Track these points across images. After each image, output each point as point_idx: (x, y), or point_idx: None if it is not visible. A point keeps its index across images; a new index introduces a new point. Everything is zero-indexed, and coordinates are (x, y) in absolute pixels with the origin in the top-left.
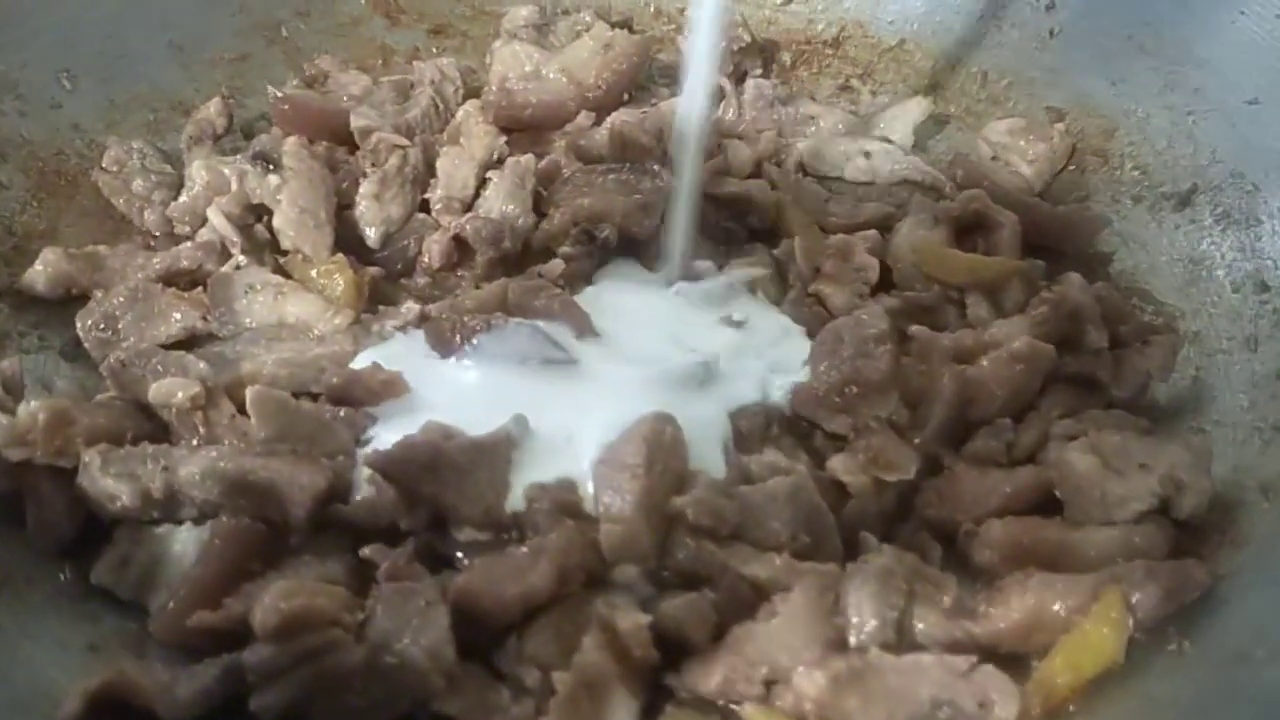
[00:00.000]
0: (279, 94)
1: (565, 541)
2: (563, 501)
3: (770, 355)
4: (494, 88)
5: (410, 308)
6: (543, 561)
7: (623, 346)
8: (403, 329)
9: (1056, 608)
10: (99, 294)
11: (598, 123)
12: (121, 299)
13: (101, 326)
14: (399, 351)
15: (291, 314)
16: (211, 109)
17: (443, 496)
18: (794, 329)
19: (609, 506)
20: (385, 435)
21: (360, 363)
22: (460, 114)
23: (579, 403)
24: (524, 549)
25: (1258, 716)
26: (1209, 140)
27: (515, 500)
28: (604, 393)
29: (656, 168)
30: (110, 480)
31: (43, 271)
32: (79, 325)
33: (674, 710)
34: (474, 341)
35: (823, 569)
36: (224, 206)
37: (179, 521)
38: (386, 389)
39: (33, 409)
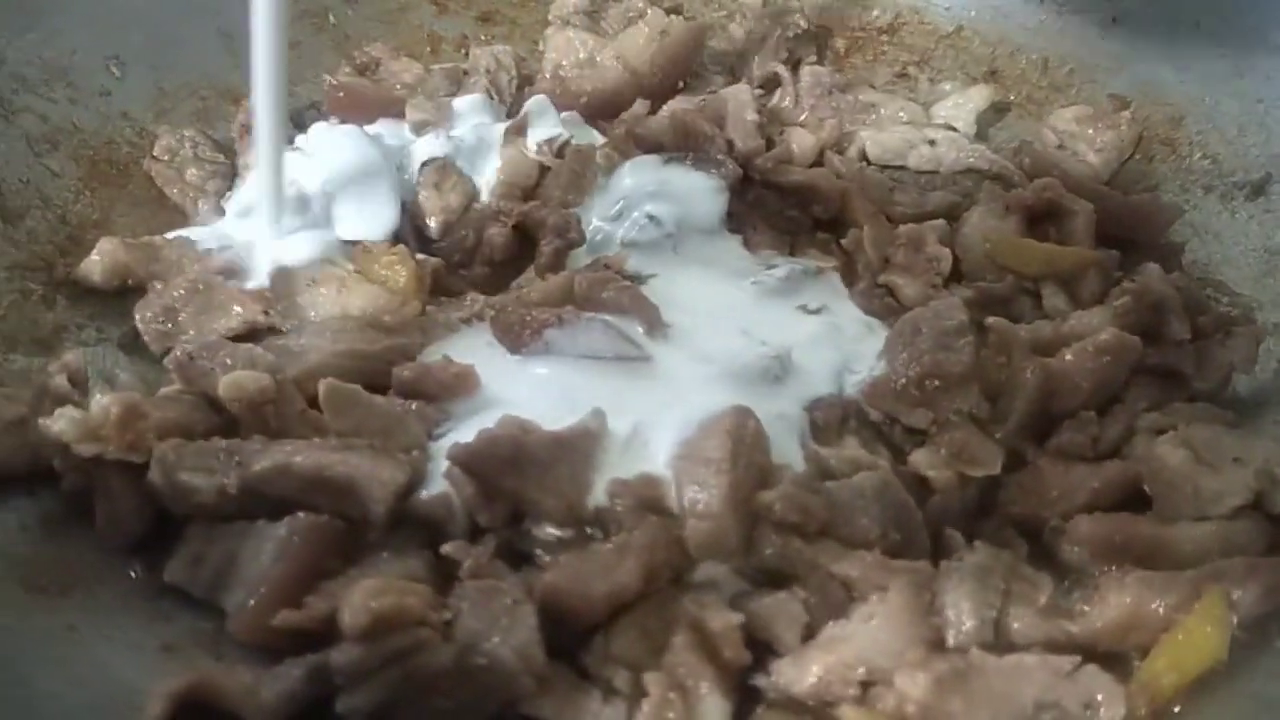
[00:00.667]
0: (332, 81)
1: (651, 538)
2: (646, 497)
3: (846, 347)
4: (548, 75)
5: (475, 299)
6: (629, 558)
7: (694, 340)
8: (468, 321)
9: (1156, 606)
10: (158, 285)
11: (653, 110)
12: (181, 291)
13: (161, 319)
14: (466, 345)
15: (356, 306)
16: None
17: (524, 491)
18: (868, 320)
19: (695, 502)
20: (458, 430)
21: (429, 356)
22: (532, 103)
23: (653, 399)
24: (609, 545)
25: None
26: None
27: (597, 496)
28: (678, 389)
29: (721, 156)
30: (185, 475)
31: (99, 262)
32: (138, 317)
33: (764, 712)
34: (544, 336)
35: (916, 567)
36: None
37: (253, 518)
38: (459, 382)
39: (104, 403)
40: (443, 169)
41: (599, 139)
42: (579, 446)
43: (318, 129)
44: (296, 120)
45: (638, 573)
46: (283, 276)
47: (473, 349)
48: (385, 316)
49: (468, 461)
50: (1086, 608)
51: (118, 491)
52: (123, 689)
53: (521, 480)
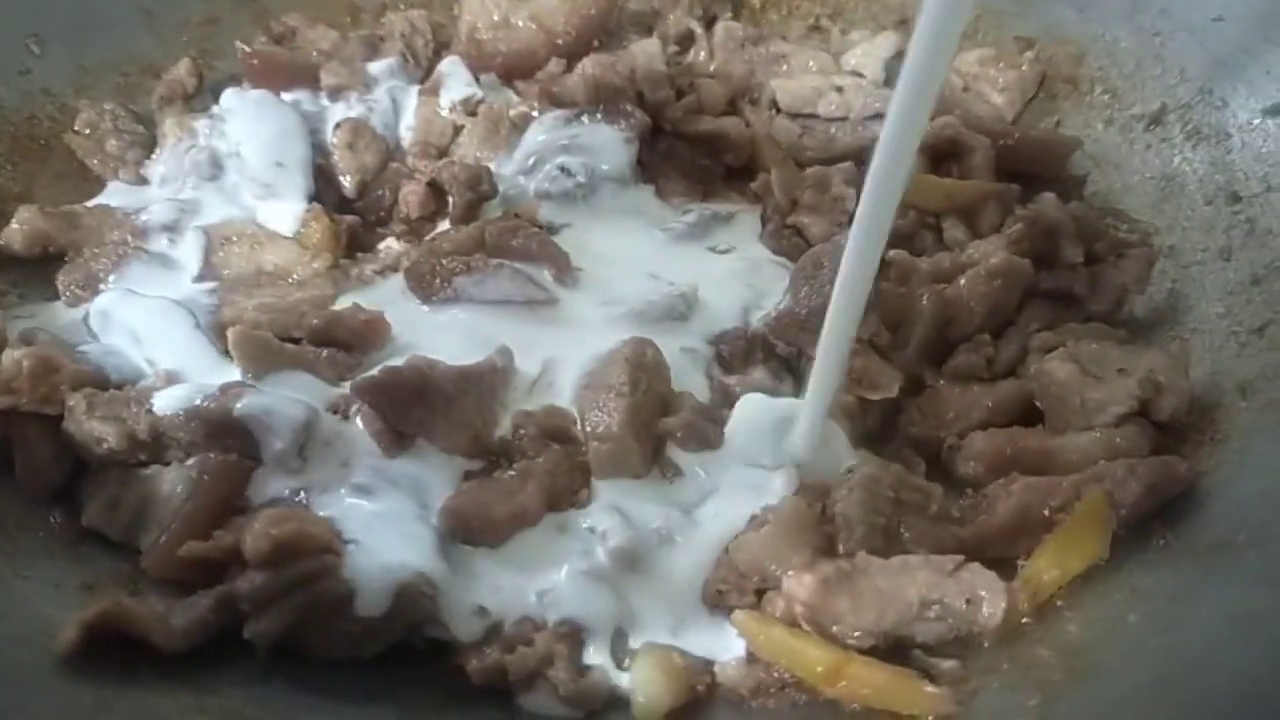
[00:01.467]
0: (247, 49)
1: (553, 464)
2: (549, 427)
3: (754, 283)
4: (463, 37)
5: (390, 248)
6: (530, 483)
7: (603, 284)
8: (382, 273)
9: (1041, 509)
10: (85, 251)
11: (568, 69)
12: (103, 258)
13: (82, 284)
14: (379, 296)
15: (269, 262)
16: (181, 70)
17: (429, 423)
18: (775, 260)
19: (596, 425)
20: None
21: (341, 306)
22: (445, 64)
23: (561, 339)
24: (511, 472)
25: (1241, 595)
26: (1177, 59)
27: (504, 429)
28: (586, 330)
29: (630, 108)
30: (96, 424)
31: (19, 230)
32: (60, 281)
33: None
34: (454, 284)
35: (809, 481)
36: (194, 157)
37: (166, 463)
38: (369, 329)
39: (17, 356)
40: (356, 129)
41: (515, 99)
42: (485, 380)
43: (229, 95)
44: (217, 93)
45: (539, 496)
46: (197, 236)
47: (386, 299)
48: (298, 269)
49: (374, 395)
50: (977, 516)
51: (34, 442)
52: (42, 621)
53: (427, 412)
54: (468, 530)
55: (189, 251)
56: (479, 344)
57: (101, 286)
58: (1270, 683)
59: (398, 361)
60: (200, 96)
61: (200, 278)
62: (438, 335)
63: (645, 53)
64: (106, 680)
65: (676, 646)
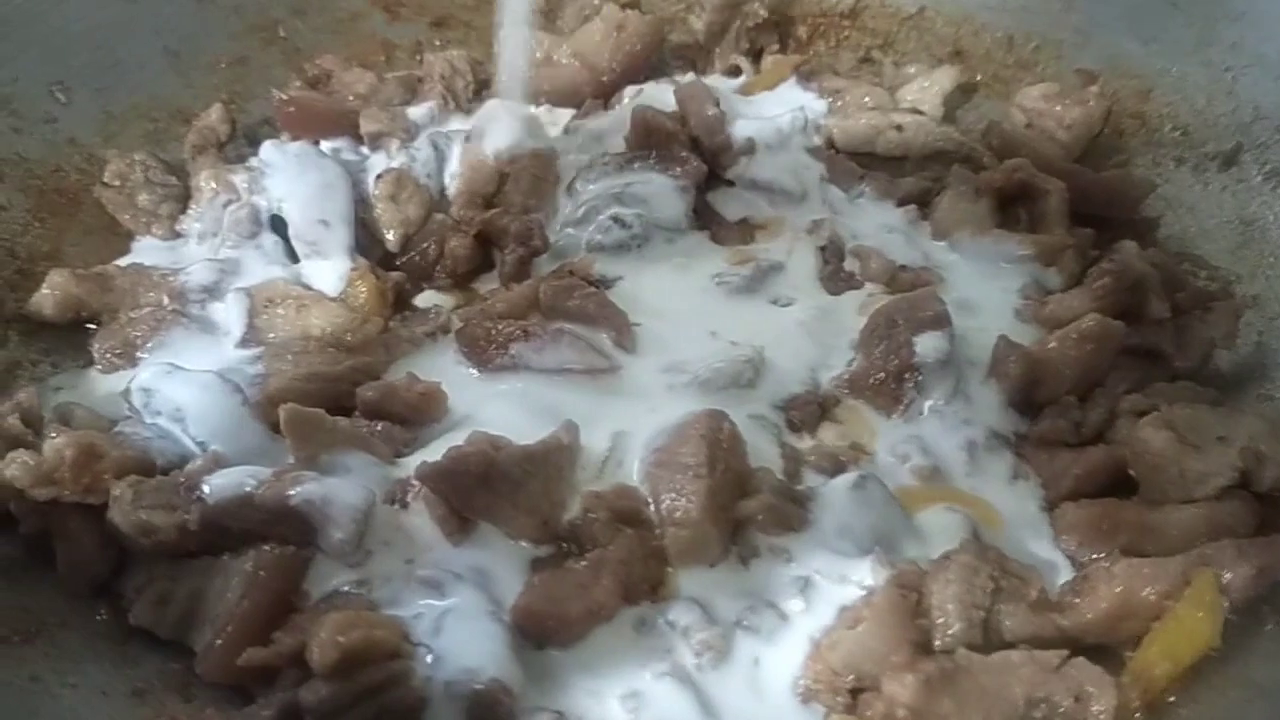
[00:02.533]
0: (283, 96)
1: (626, 552)
2: (621, 509)
3: (821, 339)
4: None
5: (439, 311)
6: (604, 576)
7: (664, 346)
8: (432, 335)
9: (1146, 593)
10: (120, 316)
11: (607, 104)
12: (141, 324)
13: (118, 352)
14: (431, 363)
15: (316, 325)
16: (214, 116)
17: (496, 509)
18: (840, 305)
19: (673, 510)
20: (427, 450)
21: (393, 374)
22: (488, 108)
23: (627, 412)
24: (584, 564)
25: None
26: (1250, 96)
27: (572, 511)
28: (650, 399)
29: (685, 154)
30: (144, 513)
31: (50, 295)
32: (95, 349)
33: None
34: (510, 350)
35: (903, 568)
36: (234, 214)
37: (217, 553)
38: (426, 402)
39: (58, 445)
40: (398, 180)
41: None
42: (551, 460)
43: (268, 148)
44: (250, 137)
45: (614, 590)
46: (238, 299)
47: (439, 365)
48: (347, 335)
49: (437, 481)
50: (1078, 600)
51: (77, 534)
52: None
53: (493, 498)
54: (541, 630)
55: (231, 315)
56: (541, 416)
57: (139, 354)
58: None
59: (457, 437)
60: (234, 143)
61: (244, 343)
62: (495, 405)
63: (694, 96)
64: None
65: None
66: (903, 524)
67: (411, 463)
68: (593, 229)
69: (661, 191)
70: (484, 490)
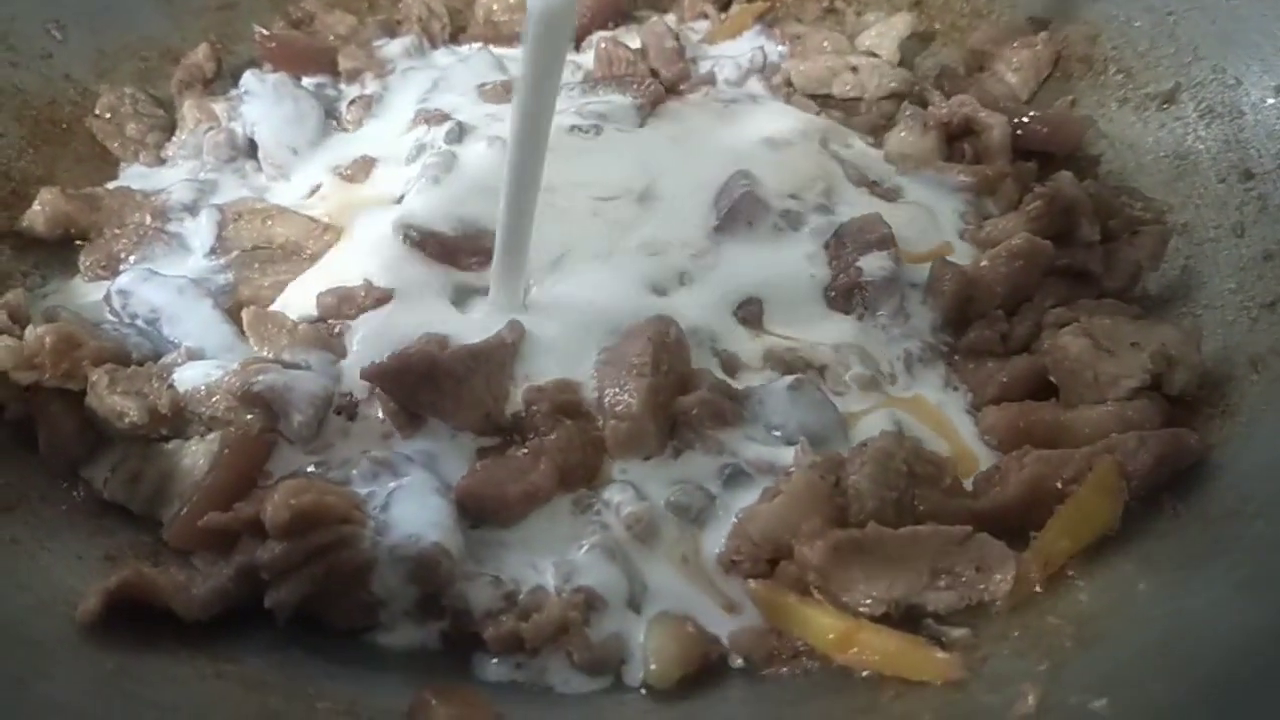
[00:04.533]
0: (264, 32)
1: (565, 441)
2: (561, 402)
3: None
4: (480, 20)
5: None
6: (543, 461)
7: None
8: None
9: (1054, 481)
10: (105, 232)
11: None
12: (124, 239)
13: (103, 264)
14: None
15: (280, 235)
16: (200, 54)
17: (441, 404)
18: None
19: (615, 404)
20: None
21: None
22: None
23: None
24: (524, 450)
25: (1247, 562)
26: (1190, 38)
27: (516, 405)
28: None
29: (644, 79)
30: (118, 399)
31: (41, 212)
32: (81, 262)
33: None
34: None
35: (824, 454)
36: (213, 138)
37: (187, 437)
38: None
39: (39, 332)
40: (367, 105)
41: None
42: (494, 357)
43: (248, 76)
44: (236, 77)
45: (552, 474)
46: (210, 214)
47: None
48: (308, 244)
49: (382, 380)
50: (989, 487)
51: (57, 417)
52: (65, 591)
53: (438, 394)
54: (481, 509)
55: (201, 229)
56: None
57: (122, 267)
58: (1272, 646)
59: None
60: (220, 81)
61: (211, 253)
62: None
63: (654, 30)
64: (127, 647)
65: (690, 615)
66: (835, 422)
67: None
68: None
69: (619, 108)
70: (428, 387)
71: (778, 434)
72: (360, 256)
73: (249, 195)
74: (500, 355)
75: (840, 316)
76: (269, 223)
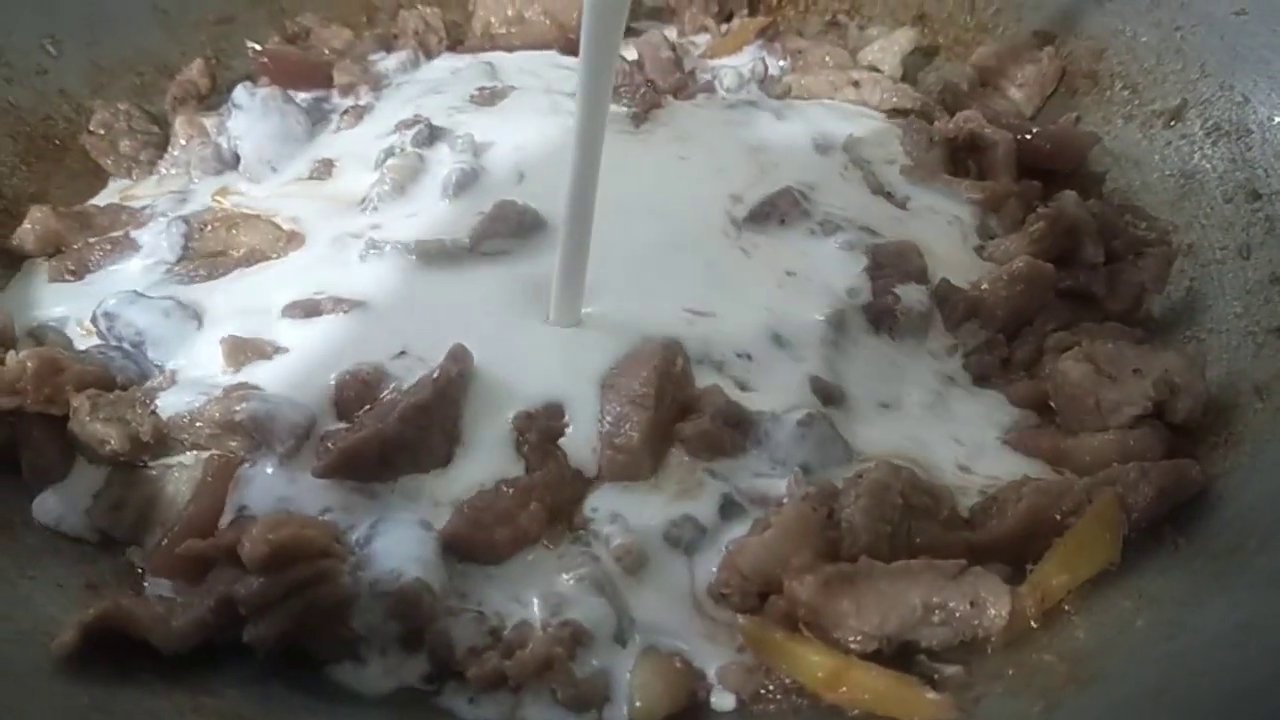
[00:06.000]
0: (257, 48)
1: (555, 476)
2: (551, 430)
3: None
4: (478, 33)
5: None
6: (533, 503)
7: None
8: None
9: (1053, 513)
10: (80, 240)
11: None
12: (98, 248)
13: (72, 269)
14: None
15: (244, 243)
16: (194, 70)
17: (404, 468)
18: None
19: (614, 434)
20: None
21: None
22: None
23: None
24: (512, 490)
25: (1248, 599)
26: (1198, 54)
27: (501, 429)
28: None
29: (641, 88)
30: (99, 425)
31: (31, 230)
32: (50, 264)
33: None
34: None
35: (821, 484)
36: (199, 152)
37: (170, 464)
38: None
39: (21, 358)
40: (357, 115)
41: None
42: (447, 399)
43: (239, 90)
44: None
45: (540, 516)
46: (176, 225)
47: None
48: (272, 253)
49: (338, 473)
50: (988, 520)
51: (40, 442)
52: (44, 621)
53: (397, 467)
54: (469, 552)
55: (172, 238)
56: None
57: (88, 274)
58: (1274, 688)
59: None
60: (216, 97)
61: (180, 260)
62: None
63: (649, 42)
64: (104, 680)
65: (678, 650)
66: (843, 458)
67: None
68: None
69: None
70: (386, 466)
71: (780, 468)
72: (317, 265)
73: (220, 204)
74: (452, 393)
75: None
76: (234, 231)
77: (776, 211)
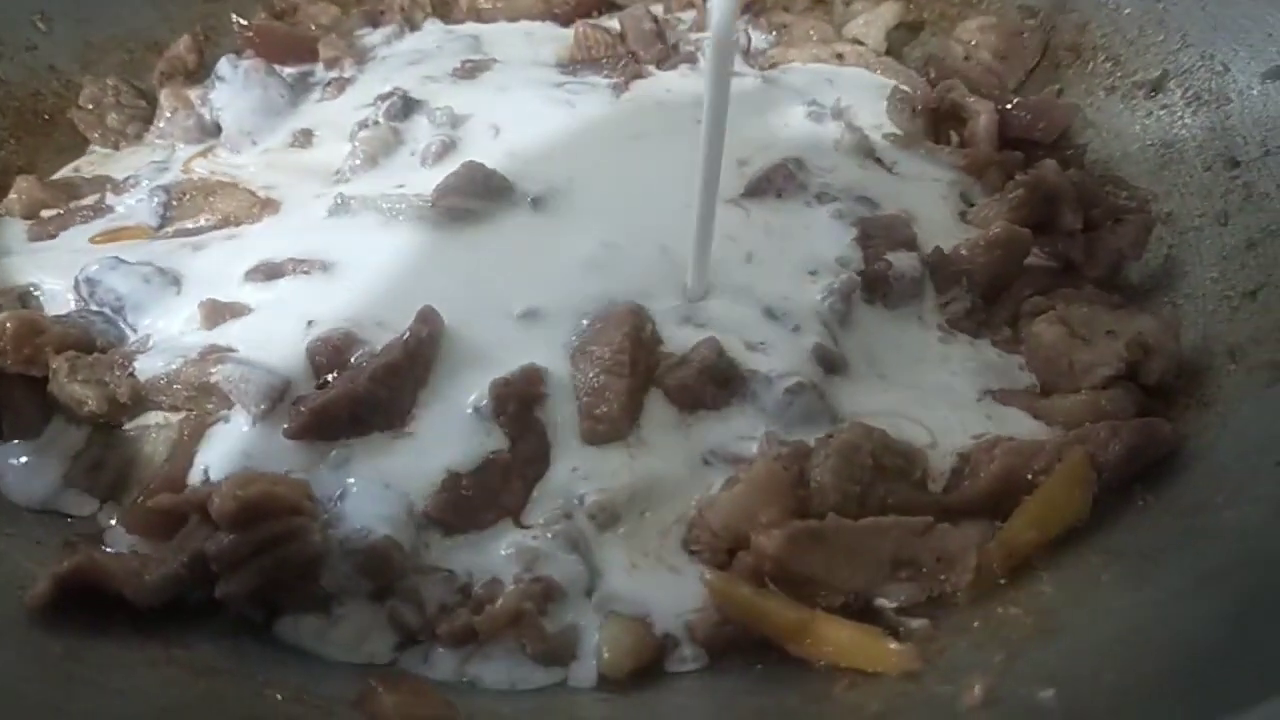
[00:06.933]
0: (243, 22)
1: (535, 449)
2: (529, 395)
3: None
4: (464, 6)
5: None
6: (514, 480)
7: None
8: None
9: (1024, 472)
10: (63, 206)
11: None
12: (79, 214)
13: (50, 233)
14: None
15: (220, 210)
16: (181, 46)
17: (374, 425)
18: None
19: (593, 407)
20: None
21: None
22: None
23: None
24: (495, 468)
25: (1211, 552)
26: (1179, 25)
27: (478, 395)
28: None
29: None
30: (78, 386)
31: (17, 200)
32: (30, 224)
33: None
34: None
35: (794, 443)
36: (183, 123)
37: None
38: None
39: (1, 318)
40: (340, 87)
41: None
42: (418, 362)
43: (222, 62)
44: None
45: (522, 492)
46: (156, 194)
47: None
48: (248, 219)
49: (309, 433)
50: (961, 480)
51: (20, 403)
52: (21, 576)
53: (369, 424)
54: (449, 527)
55: (152, 206)
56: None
57: (63, 233)
58: (1229, 637)
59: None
60: (202, 73)
61: (159, 227)
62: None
63: (632, 15)
64: (77, 632)
65: (646, 605)
66: (824, 425)
67: None
68: None
69: (594, 89)
70: (356, 423)
71: (762, 429)
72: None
73: (201, 172)
74: (424, 354)
75: None
76: (211, 198)
77: (772, 186)
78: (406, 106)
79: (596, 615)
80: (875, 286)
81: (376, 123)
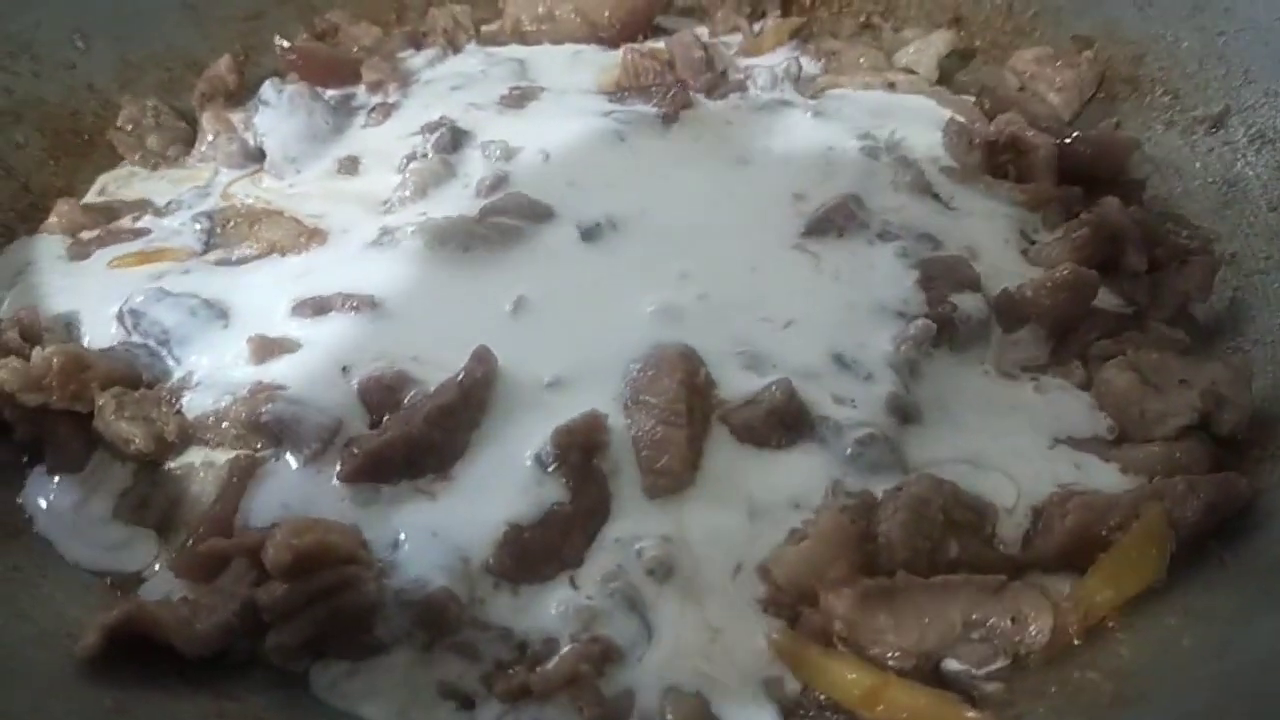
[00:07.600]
0: (284, 44)
1: (596, 500)
2: (590, 443)
3: None
4: (508, 31)
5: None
6: (575, 533)
7: None
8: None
9: (1099, 528)
10: (101, 229)
11: None
12: (122, 234)
13: (85, 255)
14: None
15: (265, 238)
16: (222, 66)
17: (430, 468)
18: None
19: (653, 461)
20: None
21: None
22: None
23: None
24: (557, 521)
25: None
26: (1241, 60)
27: (537, 446)
28: None
29: (668, 87)
30: (124, 424)
31: (57, 223)
32: (71, 242)
33: None
34: None
35: (856, 495)
36: (225, 147)
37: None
38: None
39: (46, 354)
40: (385, 112)
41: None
42: (472, 403)
43: (266, 86)
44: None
45: (582, 544)
46: (199, 221)
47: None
48: (296, 247)
49: (363, 476)
50: (1033, 536)
51: (65, 439)
52: (67, 622)
53: (425, 464)
54: (511, 582)
55: (196, 233)
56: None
57: (101, 253)
58: None
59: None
60: (244, 93)
61: (203, 255)
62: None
63: (681, 41)
64: (126, 683)
65: (705, 671)
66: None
67: None
68: None
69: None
70: (409, 466)
71: (826, 477)
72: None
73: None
74: (478, 394)
75: None
76: (256, 226)
77: (833, 225)
78: (455, 138)
79: (654, 680)
80: (942, 330)
81: (425, 155)
